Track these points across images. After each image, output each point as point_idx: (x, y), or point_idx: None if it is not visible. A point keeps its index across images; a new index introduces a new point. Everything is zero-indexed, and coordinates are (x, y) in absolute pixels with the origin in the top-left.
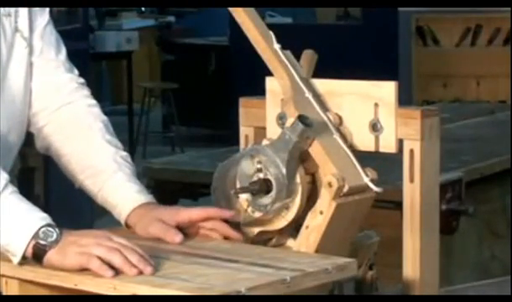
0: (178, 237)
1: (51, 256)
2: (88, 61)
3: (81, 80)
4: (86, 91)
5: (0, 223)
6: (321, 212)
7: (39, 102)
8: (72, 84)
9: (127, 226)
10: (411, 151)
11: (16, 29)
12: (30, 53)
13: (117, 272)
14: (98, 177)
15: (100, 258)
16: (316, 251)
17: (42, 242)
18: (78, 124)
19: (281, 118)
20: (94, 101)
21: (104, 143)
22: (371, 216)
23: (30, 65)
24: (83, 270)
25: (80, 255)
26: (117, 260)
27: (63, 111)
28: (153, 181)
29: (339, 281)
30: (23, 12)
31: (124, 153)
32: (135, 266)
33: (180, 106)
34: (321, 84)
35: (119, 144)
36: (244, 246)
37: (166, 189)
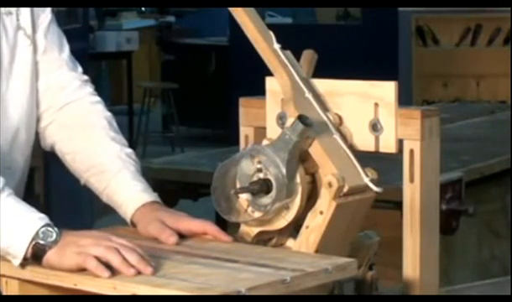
0: (173, 238)
1: (50, 256)
2: (88, 61)
3: (85, 77)
4: (89, 89)
5: (0, 226)
6: (321, 212)
7: (44, 102)
8: (76, 82)
9: (132, 224)
10: (411, 151)
11: (18, 27)
12: (34, 51)
13: (115, 272)
14: (103, 175)
15: (98, 258)
16: (316, 251)
17: (41, 242)
18: (82, 122)
19: (281, 118)
20: (98, 98)
21: (108, 141)
22: (371, 216)
23: (35, 63)
24: (83, 270)
25: (78, 255)
26: (115, 260)
27: (67, 109)
28: (153, 181)
29: (339, 281)
30: (25, 9)
31: (129, 151)
32: (133, 266)
33: (180, 106)
34: (321, 84)
35: (123, 140)
36: (244, 246)
37: (166, 189)
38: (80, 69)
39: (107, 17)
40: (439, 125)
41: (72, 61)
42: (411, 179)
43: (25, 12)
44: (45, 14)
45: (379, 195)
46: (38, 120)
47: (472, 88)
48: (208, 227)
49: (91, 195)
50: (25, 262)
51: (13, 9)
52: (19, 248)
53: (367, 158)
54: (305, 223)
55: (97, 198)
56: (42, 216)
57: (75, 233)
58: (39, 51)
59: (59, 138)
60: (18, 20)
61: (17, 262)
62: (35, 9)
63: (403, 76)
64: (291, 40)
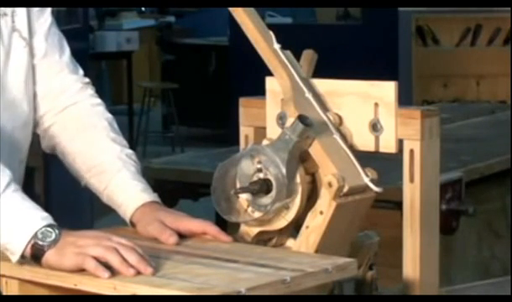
0: (173, 238)
1: (49, 256)
2: (88, 61)
3: (86, 79)
4: (90, 91)
5: (2, 221)
6: (321, 212)
7: (45, 105)
8: (77, 84)
9: (132, 224)
10: (411, 151)
11: (13, 29)
12: (32, 54)
13: (115, 272)
14: (103, 176)
15: (97, 259)
16: (316, 251)
17: (40, 243)
18: (82, 123)
19: (281, 118)
20: (99, 100)
21: (109, 142)
22: (371, 216)
23: (32, 65)
24: (82, 270)
25: (77, 255)
26: (114, 260)
27: (67, 111)
28: (153, 181)
29: (339, 281)
30: (21, 11)
31: (129, 151)
32: (133, 266)
33: (180, 106)
34: (321, 84)
35: (124, 142)
36: (244, 246)
37: (166, 189)
38: (81, 71)
39: (107, 17)
40: (439, 125)
41: (73, 64)
42: (411, 179)
43: (21, 14)
44: (45, 17)
45: (379, 195)
46: (39, 123)
47: (472, 88)
48: (208, 227)
49: (91, 195)
50: (24, 262)
51: (9, 11)
52: (17, 246)
53: (367, 158)
54: (305, 223)
55: (97, 198)
56: (45, 215)
57: (75, 233)
58: (39, 55)
59: (59, 140)
60: (13, 22)
61: (15, 258)
62: (32, 12)
63: (403, 76)
64: (291, 40)
